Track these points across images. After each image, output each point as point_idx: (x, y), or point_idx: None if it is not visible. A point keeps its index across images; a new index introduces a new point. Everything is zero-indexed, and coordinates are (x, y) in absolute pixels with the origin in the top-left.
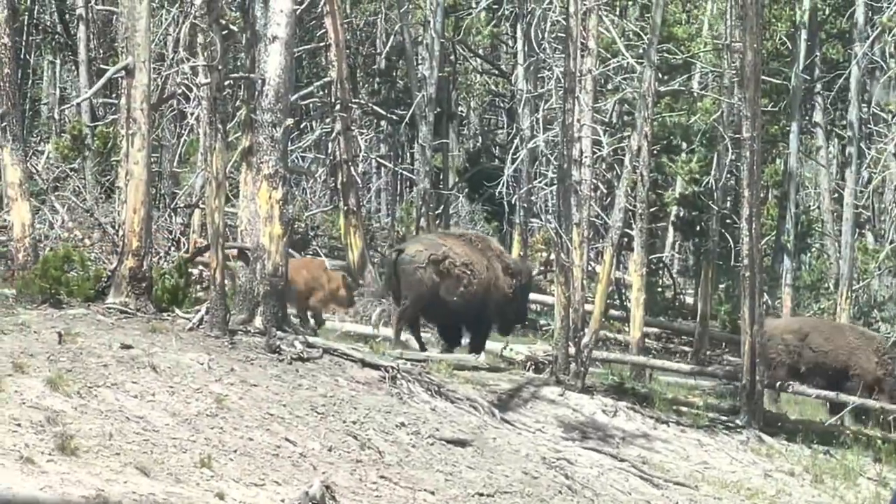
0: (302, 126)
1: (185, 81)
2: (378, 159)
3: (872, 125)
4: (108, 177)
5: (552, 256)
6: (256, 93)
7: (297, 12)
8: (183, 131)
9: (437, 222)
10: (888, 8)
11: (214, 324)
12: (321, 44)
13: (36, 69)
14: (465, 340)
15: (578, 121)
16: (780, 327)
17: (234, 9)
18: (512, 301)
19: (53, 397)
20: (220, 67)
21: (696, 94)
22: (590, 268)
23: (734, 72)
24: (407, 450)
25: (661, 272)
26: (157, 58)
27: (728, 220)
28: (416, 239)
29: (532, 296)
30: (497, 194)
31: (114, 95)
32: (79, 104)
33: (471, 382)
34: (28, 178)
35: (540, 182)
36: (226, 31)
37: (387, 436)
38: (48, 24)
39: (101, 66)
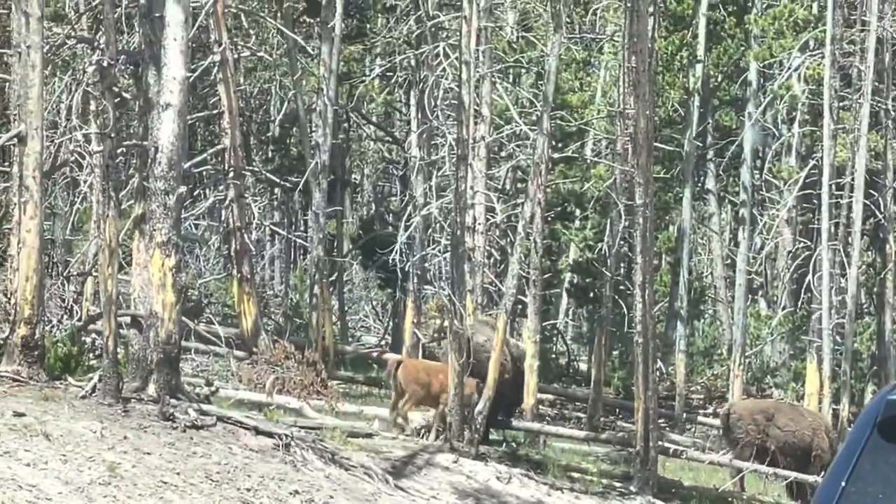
0: (195, 193)
1: (78, 149)
2: (272, 227)
3: (765, 191)
4: (0, 245)
5: (446, 323)
6: (149, 160)
7: (190, 80)
8: (76, 199)
9: (332, 290)
10: (780, 75)
11: (107, 392)
12: (214, 111)
13: None
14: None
15: (472, 188)
16: (748, 408)
17: (126, 76)
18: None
19: None
20: (112, 135)
21: (589, 161)
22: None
23: (627, 138)
24: None
25: (555, 339)
26: (50, 125)
27: (621, 287)
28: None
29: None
30: (391, 261)
31: (6, 163)
32: None
33: (365, 450)
34: None
35: (433, 249)
36: (118, 99)
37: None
38: None
39: None
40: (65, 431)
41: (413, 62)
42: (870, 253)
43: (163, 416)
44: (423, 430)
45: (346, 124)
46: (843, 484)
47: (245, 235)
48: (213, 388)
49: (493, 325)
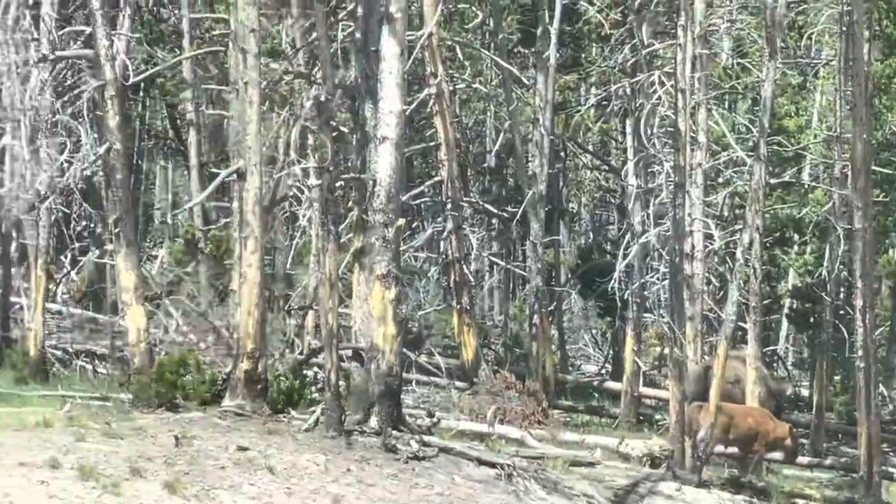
0: (414, 225)
1: (297, 183)
2: (490, 257)
3: None
4: (222, 280)
5: (666, 351)
6: (368, 193)
7: (407, 112)
8: (296, 233)
9: (551, 319)
10: None
11: (330, 424)
12: (431, 143)
13: (149, 174)
14: None
15: (689, 215)
16: None
17: (343, 110)
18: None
19: (171, 500)
20: (331, 169)
21: (807, 186)
22: (703, 361)
23: (845, 163)
24: None
25: (775, 364)
26: (269, 160)
27: (842, 312)
28: None
29: (646, 390)
30: (609, 290)
31: (226, 199)
32: (191, 208)
33: (587, 478)
34: (142, 282)
35: (652, 277)
36: (336, 133)
37: None
38: (160, 129)
39: (213, 169)
40: (288, 465)
41: (628, 90)
42: None
43: (385, 448)
44: (644, 459)
45: (562, 153)
46: None
47: (464, 266)
48: (434, 420)
49: (742, 359)
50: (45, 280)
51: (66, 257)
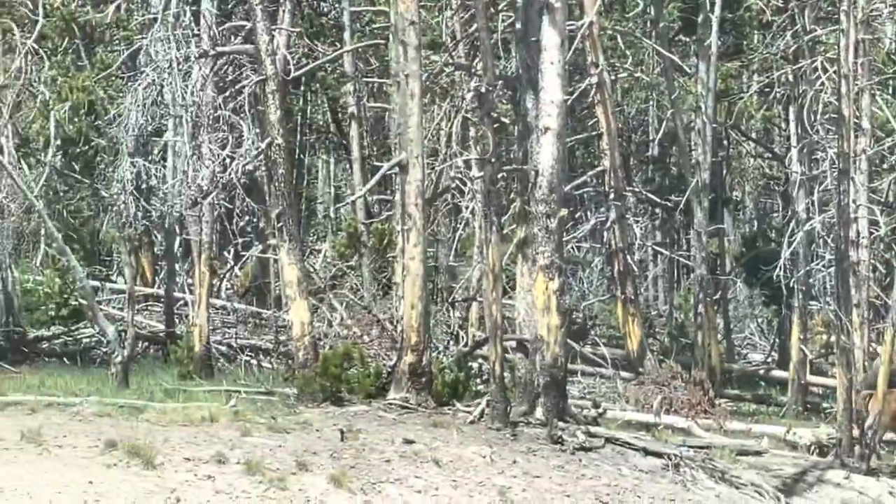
0: (577, 216)
1: (459, 175)
2: (654, 246)
3: None
4: (385, 273)
5: (832, 339)
6: (530, 184)
7: (568, 102)
8: (458, 225)
9: (716, 308)
10: None
11: (495, 416)
12: (593, 133)
13: (311, 168)
14: None
15: (854, 201)
16: None
17: (504, 101)
18: None
19: (337, 494)
20: (492, 160)
21: None
22: (871, 349)
23: None
24: None
25: None
26: (430, 153)
27: None
28: None
29: (813, 378)
30: (774, 278)
31: (388, 192)
32: (353, 202)
33: (754, 468)
34: (306, 277)
35: (817, 264)
36: (497, 124)
37: None
38: (321, 123)
39: (375, 163)
40: (454, 457)
41: (791, 77)
42: None
43: (551, 440)
44: (812, 447)
45: (725, 141)
46: None
47: (628, 256)
48: (600, 410)
49: None
50: (208, 276)
51: (229, 253)
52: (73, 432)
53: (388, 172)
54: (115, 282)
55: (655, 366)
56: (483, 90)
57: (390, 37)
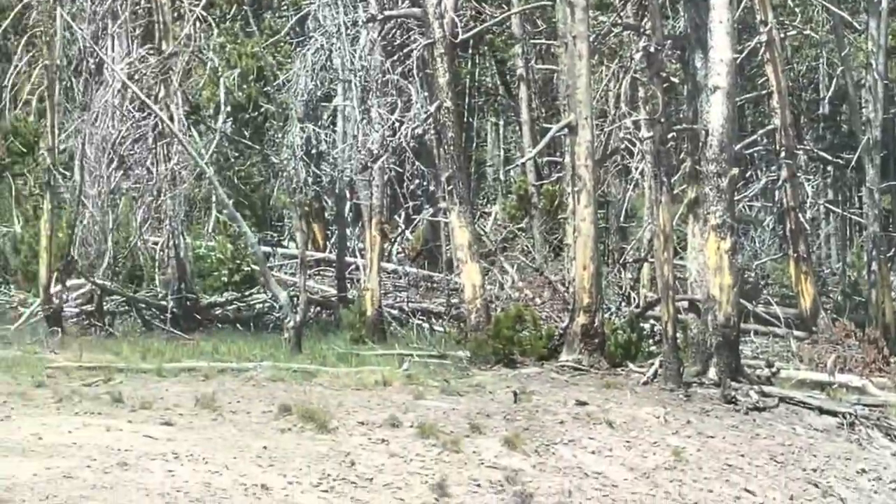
0: (747, 175)
1: (628, 136)
2: (826, 205)
3: None
4: (556, 235)
5: None
6: (700, 144)
7: (737, 61)
8: (628, 186)
9: (889, 266)
10: None
11: (668, 377)
12: (763, 91)
13: (480, 131)
14: None
15: None
16: None
17: (673, 61)
18: None
19: (511, 456)
20: (662, 120)
21: None
22: None
23: None
24: (869, 496)
25: None
26: (599, 114)
27: None
28: None
29: None
30: None
31: (557, 154)
32: (523, 164)
33: None
34: (477, 239)
35: None
36: (666, 84)
37: (847, 483)
38: (489, 86)
39: (544, 125)
40: (627, 418)
41: None
42: None
43: (724, 399)
44: None
45: None
46: None
47: (800, 215)
48: (773, 370)
49: None
50: (379, 240)
51: (399, 216)
52: (247, 397)
53: (558, 134)
54: (286, 247)
55: (829, 324)
56: (652, 50)
57: None
